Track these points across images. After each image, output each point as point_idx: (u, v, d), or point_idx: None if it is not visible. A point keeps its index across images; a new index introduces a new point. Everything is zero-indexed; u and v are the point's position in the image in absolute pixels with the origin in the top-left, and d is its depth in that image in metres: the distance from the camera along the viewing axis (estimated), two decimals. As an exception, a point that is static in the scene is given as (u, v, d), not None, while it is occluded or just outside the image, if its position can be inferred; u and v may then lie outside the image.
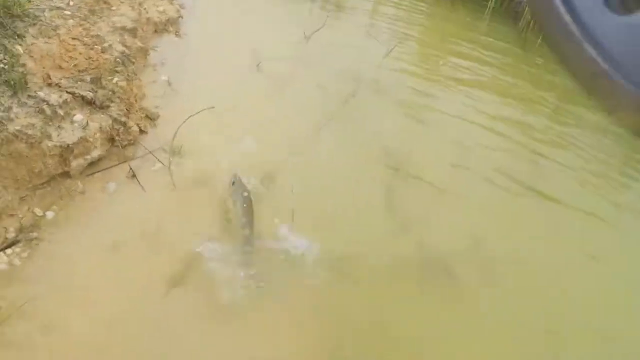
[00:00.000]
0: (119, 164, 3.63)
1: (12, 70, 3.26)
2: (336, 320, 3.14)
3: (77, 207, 3.34)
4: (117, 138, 3.67)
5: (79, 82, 3.60)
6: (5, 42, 3.43)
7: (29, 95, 3.29)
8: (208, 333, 2.89)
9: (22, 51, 3.46)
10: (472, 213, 4.17)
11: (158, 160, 3.74)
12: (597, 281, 3.89)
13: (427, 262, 3.67)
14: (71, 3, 4.17)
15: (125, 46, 4.22)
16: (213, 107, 4.01)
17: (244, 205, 3.48)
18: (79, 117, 3.47)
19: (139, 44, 4.41)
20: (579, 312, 3.62)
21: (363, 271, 3.49)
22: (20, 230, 2.99)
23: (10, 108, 3.13)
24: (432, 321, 3.30)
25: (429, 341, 3.19)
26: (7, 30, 3.51)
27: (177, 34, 5.37)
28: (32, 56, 3.49)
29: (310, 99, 5.06)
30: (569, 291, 3.70)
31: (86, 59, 3.71)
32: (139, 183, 3.57)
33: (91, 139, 3.44)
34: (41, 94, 3.33)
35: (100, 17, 4.31)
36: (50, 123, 3.29)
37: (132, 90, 3.96)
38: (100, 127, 3.53)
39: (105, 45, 3.97)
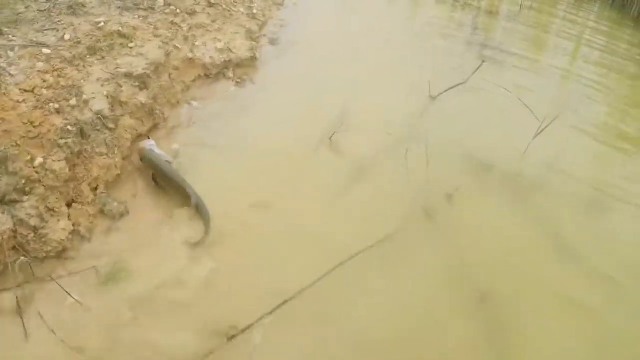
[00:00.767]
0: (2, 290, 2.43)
1: None
2: None
3: None
4: (23, 248, 2.50)
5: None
6: None
7: None
8: None
9: None
10: None
11: (68, 294, 2.42)
12: None
13: None
14: (67, 37, 3.23)
15: (115, 103, 3.12)
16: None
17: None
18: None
19: (142, 99, 3.26)
20: None
21: None
22: None
23: None
24: None
25: None
26: None
27: (238, 81, 4.11)
28: None
29: (397, 197, 3.31)
30: None
31: (22, 124, 2.64)
32: (23, 325, 2.32)
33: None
34: None
35: (102, 58, 3.30)
36: None
37: (81, 175, 2.79)
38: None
39: (72, 102, 2.90)
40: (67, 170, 2.79)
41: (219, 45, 4.18)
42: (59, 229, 2.68)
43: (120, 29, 3.59)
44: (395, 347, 2.55)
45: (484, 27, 6.52)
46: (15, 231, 2.56)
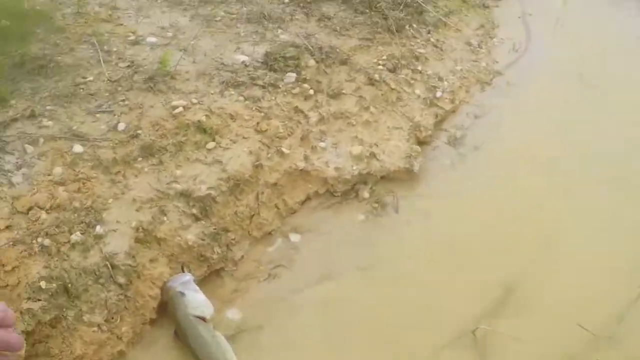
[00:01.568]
0: None
1: None
2: None
3: None
4: None
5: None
6: None
7: None
8: None
9: None
10: None
11: None
12: None
13: None
14: (121, 126, 2.35)
15: (144, 241, 2.12)
16: None
17: None
18: None
19: (191, 236, 2.16)
20: None
21: None
22: None
23: None
24: None
25: None
26: None
27: (375, 206, 2.70)
28: None
29: None
30: None
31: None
32: None
33: None
34: None
35: (158, 165, 2.32)
36: None
37: (55, 353, 1.82)
38: None
39: (74, 237, 1.95)
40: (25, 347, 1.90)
41: (357, 149, 2.83)
42: None
43: (204, 118, 2.54)
44: None
45: None
46: None
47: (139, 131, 2.41)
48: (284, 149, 2.63)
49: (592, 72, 3.81)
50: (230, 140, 2.58)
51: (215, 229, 2.36)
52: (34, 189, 2.13)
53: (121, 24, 3.27)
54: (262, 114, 2.74)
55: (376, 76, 3.20)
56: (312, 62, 3.13)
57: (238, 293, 2.33)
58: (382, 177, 2.84)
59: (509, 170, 3.01)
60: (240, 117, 2.68)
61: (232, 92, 2.78)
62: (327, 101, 3.00)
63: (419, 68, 3.47)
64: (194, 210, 2.32)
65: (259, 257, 2.45)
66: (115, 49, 2.96)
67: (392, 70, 3.32)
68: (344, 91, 3.06)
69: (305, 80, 3.00)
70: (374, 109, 3.09)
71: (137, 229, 2.20)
